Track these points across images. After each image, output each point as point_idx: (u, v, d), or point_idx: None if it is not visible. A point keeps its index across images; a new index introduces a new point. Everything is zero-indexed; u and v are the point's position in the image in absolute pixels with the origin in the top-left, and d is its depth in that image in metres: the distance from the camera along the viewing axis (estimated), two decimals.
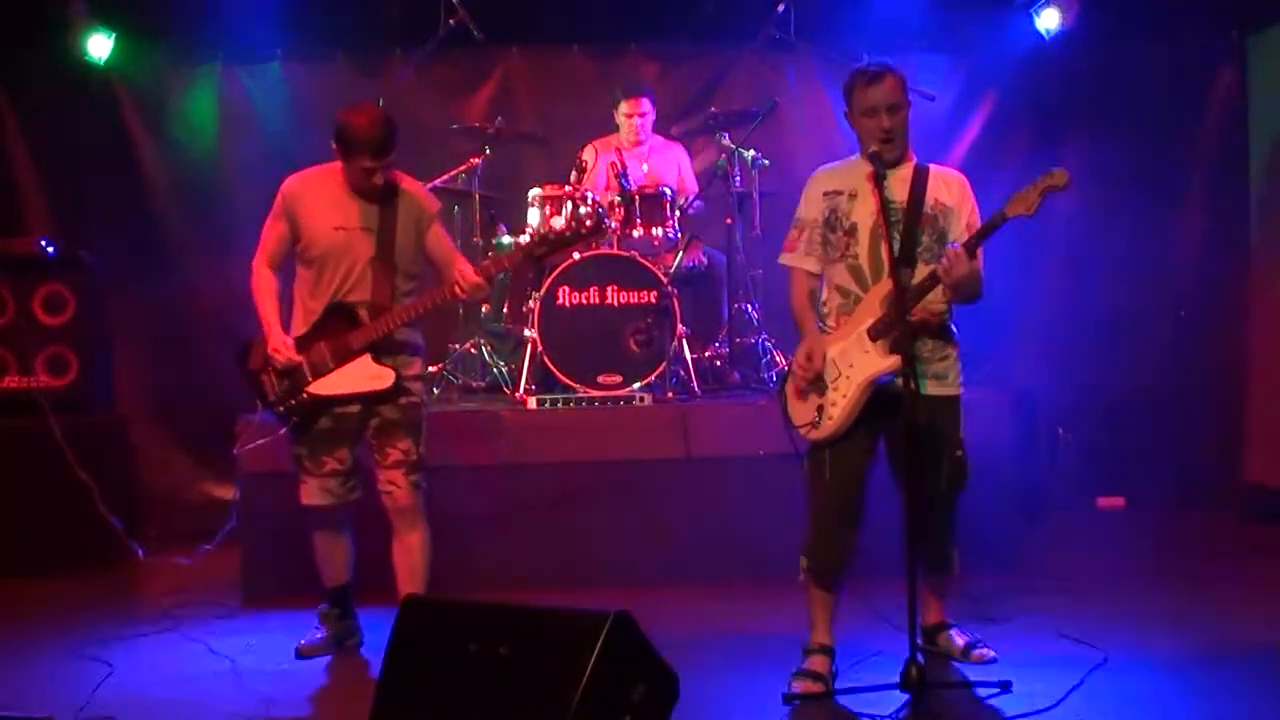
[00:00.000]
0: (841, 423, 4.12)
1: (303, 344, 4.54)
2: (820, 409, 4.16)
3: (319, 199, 4.56)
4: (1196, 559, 5.92)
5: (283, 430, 4.58)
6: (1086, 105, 7.44)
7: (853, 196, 4.19)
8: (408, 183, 4.67)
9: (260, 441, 4.68)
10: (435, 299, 4.56)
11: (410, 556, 4.63)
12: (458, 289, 4.50)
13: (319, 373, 4.51)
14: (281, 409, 4.55)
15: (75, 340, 6.50)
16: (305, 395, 4.52)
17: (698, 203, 6.88)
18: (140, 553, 5.86)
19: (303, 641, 4.70)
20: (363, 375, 4.50)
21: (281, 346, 4.50)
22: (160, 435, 7.10)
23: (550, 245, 4.61)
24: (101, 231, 7.17)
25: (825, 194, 4.24)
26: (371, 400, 4.54)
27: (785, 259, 4.32)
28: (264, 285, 4.61)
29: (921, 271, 4.12)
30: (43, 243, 6.57)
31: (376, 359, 4.50)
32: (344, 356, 4.50)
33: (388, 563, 4.67)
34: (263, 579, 5.45)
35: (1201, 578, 5.54)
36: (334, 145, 4.50)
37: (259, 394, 4.61)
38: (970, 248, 3.98)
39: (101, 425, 6.50)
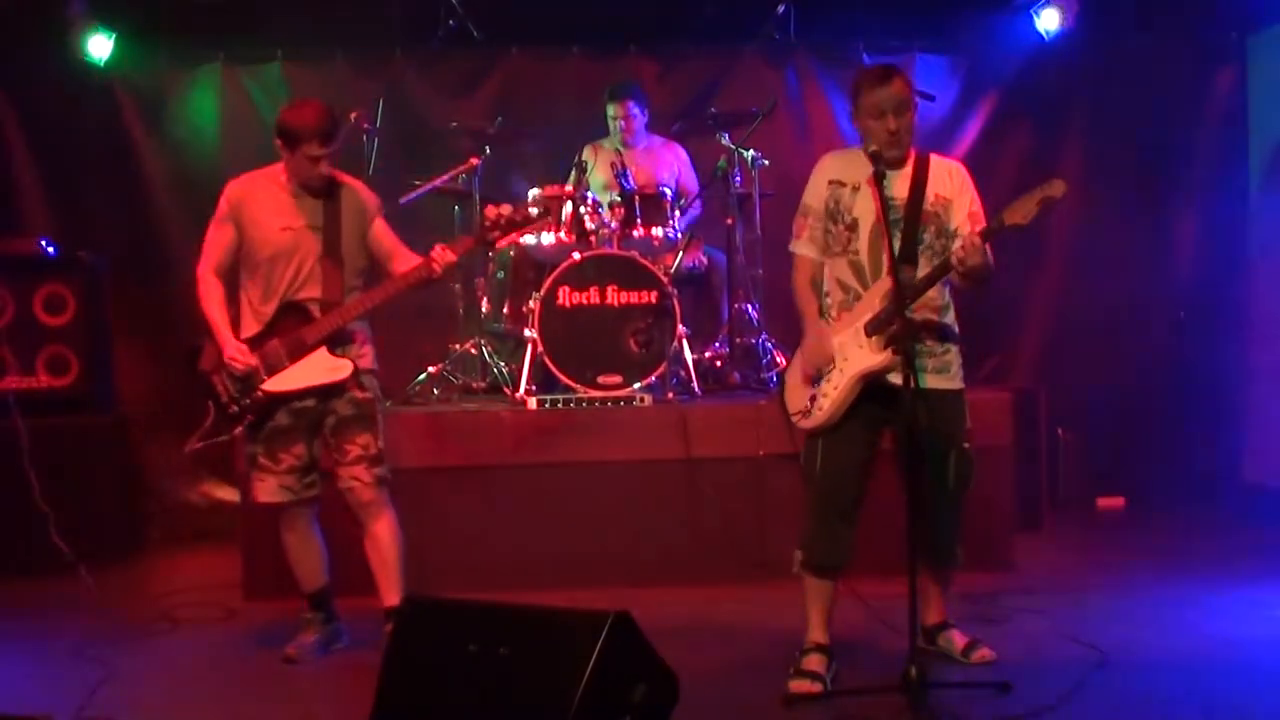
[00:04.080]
0: (831, 413, 4.13)
1: (255, 344, 4.57)
2: (813, 398, 4.18)
3: (264, 201, 4.61)
4: (1196, 559, 5.92)
5: (238, 429, 4.58)
6: (1086, 105, 7.45)
7: (855, 190, 4.19)
8: (348, 179, 4.74)
9: (212, 440, 4.65)
10: (391, 289, 4.58)
11: (380, 547, 4.65)
12: (434, 265, 4.55)
13: (273, 370, 4.54)
14: (235, 408, 4.56)
15: (75, 340, 6.50)
16: (260, 393, 4.54)
17: (696, 206, 6.88)
18: (83, 571, 5.77)
19: (290, 649, 4.68)
20: (320, 368, 4.54)
21: (237, 353, 4.52)
22: (161, 435, 7.09)
23: (502, 229, 4.68)
24: (101, 231, 7.18)
25: (830, 182, 4.25)
26: (328, 393, 4.57)
27: (792, 245, 4.34)
28: (212, 292, 4.62)
29: (924, 268, 4.13)
30: (43, 243, 6.57)
31: (331, 351, 4.55)
32: (299, 352, 4.54)
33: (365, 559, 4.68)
34: (262, 579, 5.45)
35: (1201, 578, 5.53)
36: (277, 141, 4.55)
37: (211, 395, 4.60)
38: (986, 237, 3.99)
39: (102, 425, 6.49)
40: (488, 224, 4.70)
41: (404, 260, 4.70)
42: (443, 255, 4.57)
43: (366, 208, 4.72)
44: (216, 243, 4.66)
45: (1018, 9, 7.44)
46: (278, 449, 4.61)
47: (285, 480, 4.63)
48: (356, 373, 4.58)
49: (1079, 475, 7.13)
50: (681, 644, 4.60)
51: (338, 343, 4.58)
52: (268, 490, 4.64)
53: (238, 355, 4.53)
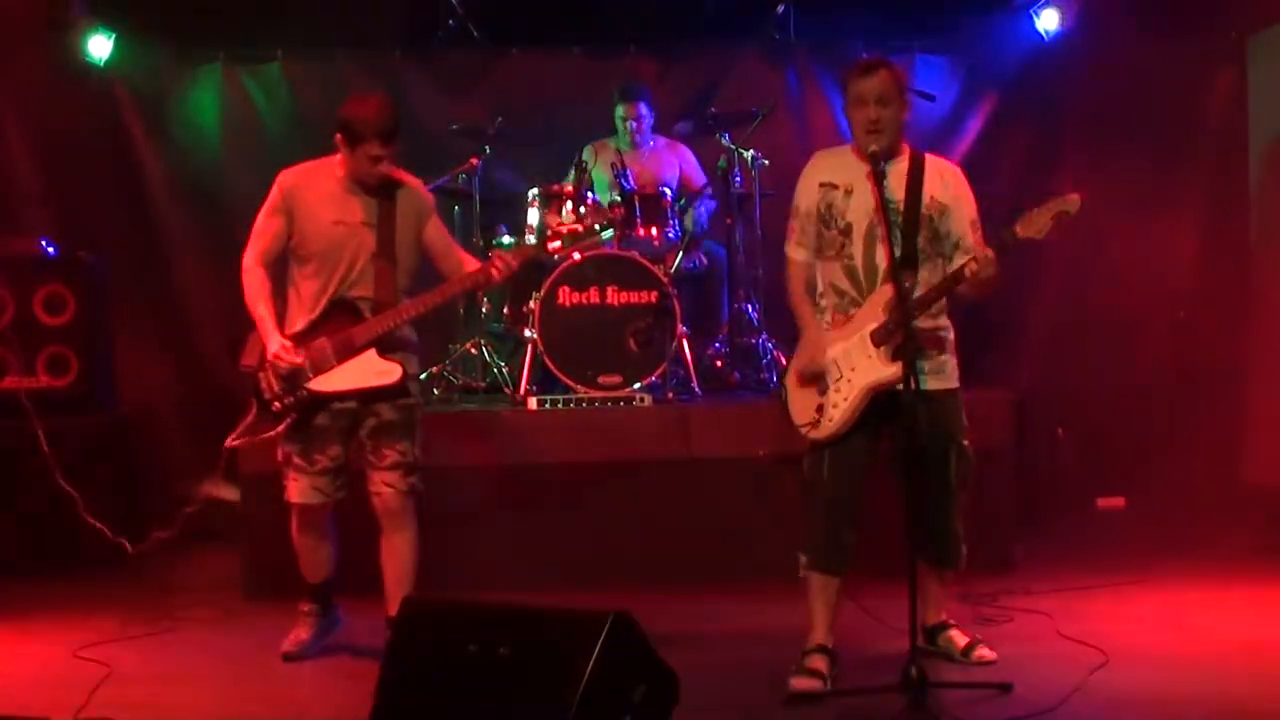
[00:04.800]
0: (841, 424, 4.13)
1: (302, 340, 4.46)
2: (820, 409, 4.17)
3: (318, 193, 4.50)
4: (1196, 559, 5.91)
5: (280, 427, 4.48)
6: (1086, 105, 7.44)
7: (848, 193, 4.18)
8: (405, 177, 4.63)
9: (254, 438, 4.57)
10: (448, 292, 4.56)
11: (397, 559, 4.59)
12: (494, 272, 4.50)
13: (320, 369, 4.44)
14: (279, 406, 4.46)
15: (75, 340, 6.49)
16: (305, 391, 4.44)
17: (709, 203, 6.87)
18: (128, 545, 5.75)
19: (288, 644, 4.68)
20: (368, 371, 4.43)
21: (283, 351, 4.41)
22: (161, 435, 7.09)
23: (565, 240, 4.66)
24: (101, 231, 7.17)
25: (821, 185, 4.23)
26: (373, 397, 4.49)
27: (791, 252, 4.32)
28: (258, 285, 4.50)
29: (922, 274, 4.13)
30: (43, 243, 6.57)
31: (381, 354, 4.45)
32: (347, 352, 4.43)
33: (374, 560, 4.66)
34: (262, 579, 5.45)
35: (1201, 578, 5.53)
36: (338, 136, 4.44)
37: (254, 391, 4.51)
38: (1000, 250, 3.99)
39: (102, 425, 6.48)
40: (550, 234, 4.68)
41: (460, 260, 4.65)
42: (504, 262, 4.51)
43: (423, 207, 4.62)
44: (266, 232, 4.53)
45: (1018, 9, 7.44)
46: (314, 450, 4.52)
47: (318, 482, 4.54)
48: (405, 378, 4.49)
49: (1079, 475, 7.13)
50: (682, 644, 4.60)
51: (388, 346, 4.47)
52: (300, 491, 4.55)
53: (284, 354, 4.41)
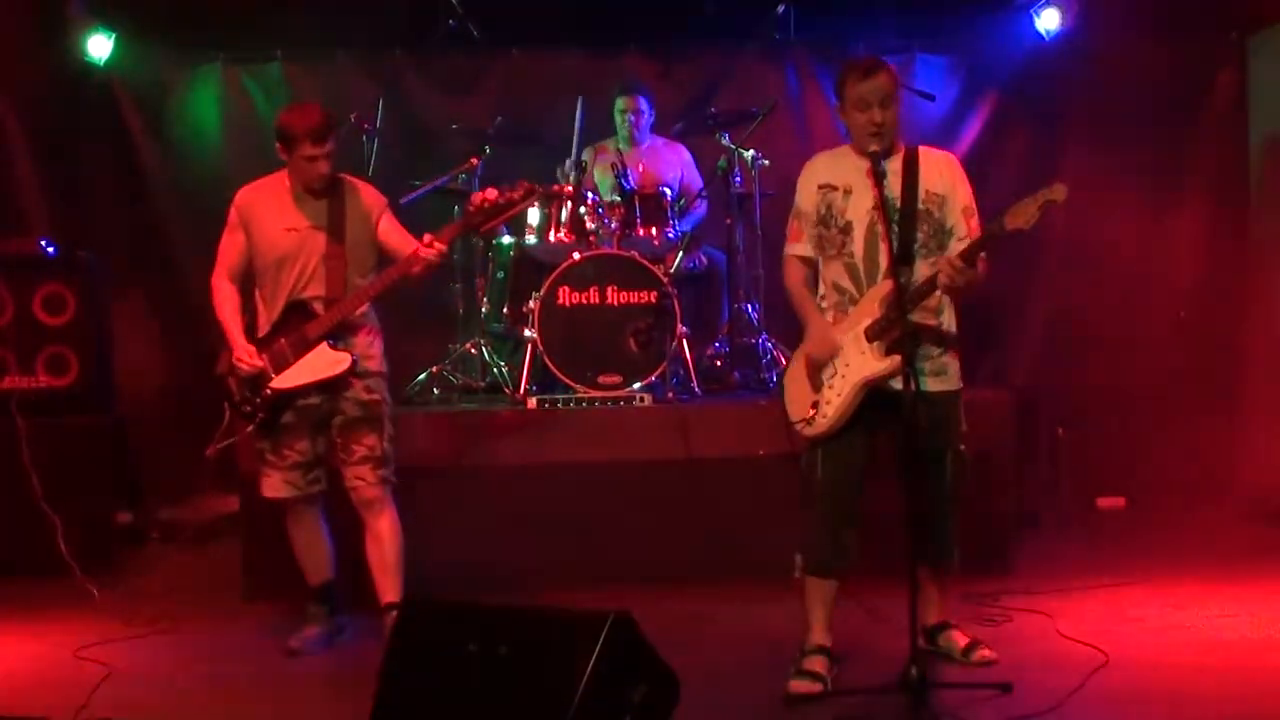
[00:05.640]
0: (835, 421, 4.13)
1: (264, 345, 4.70)
2: (815, 405, 4.17)
3: (270, 205, 4.73)
4: (1196, 559, 5.91)
5: (249, 428, 4.70)
6: (1086, 105, 7.43)
7: (847, 193, 4.19)
8: (353, 180, 4.84)
9: (228, 442, 4.80)
10: (387, 279, 4.67)
11: (381, 545, 4.72)
12: (419, 253, 4.59)
13: (280, 368, 4.65)
14: (248, 408, 4.69)
15: (75, 340, 6.48)
16: (268, 391, 4.66)
17: (701, 205, 6.87)
18: (81, 577, 5.72)
19: (293, 641, 4.75)
20: (321, 363, 4.63)
21: (245, 354, 4.65)
22: (160, 435, 7.09)
23: (487, 214, 4.70)
24: (101, 231, 7.17)
25: (819, 187, 4.25)
26: (332, 388, 4.65)
27: (791, 249, 4.33)
28: (224, 298, 4.77)
29: (920, 268, 4.13)
30: (43, 243, 6.57)
31: (333, 345, 4.63)
32: (303, 348, 4.64)
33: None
34: (262, 579, 5.45)
35: (1201, 578, 5.53)
36: (278, 145, 4.66)
37: (225, 397, 4.75)
38: (968, 258, 3.99)
39: (101, 425, 6.48)
40: (472, 209, 4.73)
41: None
42: (429, 242, 4.63)
43: (370, 207, 4.79)
44: (228, 250, 4.80)
45: (1018, 9, 7.44)
46: (282, 445, 4.73)
47: (289, 476, 4.75)
48: (355, 363, 4.64)
49: (1079, 475, 7.13)
50: (682, 644, 4.60)
51: (339, 336, 4.66)
52: (273, 485, 4.77)
53: (245, 357, 4.65)
